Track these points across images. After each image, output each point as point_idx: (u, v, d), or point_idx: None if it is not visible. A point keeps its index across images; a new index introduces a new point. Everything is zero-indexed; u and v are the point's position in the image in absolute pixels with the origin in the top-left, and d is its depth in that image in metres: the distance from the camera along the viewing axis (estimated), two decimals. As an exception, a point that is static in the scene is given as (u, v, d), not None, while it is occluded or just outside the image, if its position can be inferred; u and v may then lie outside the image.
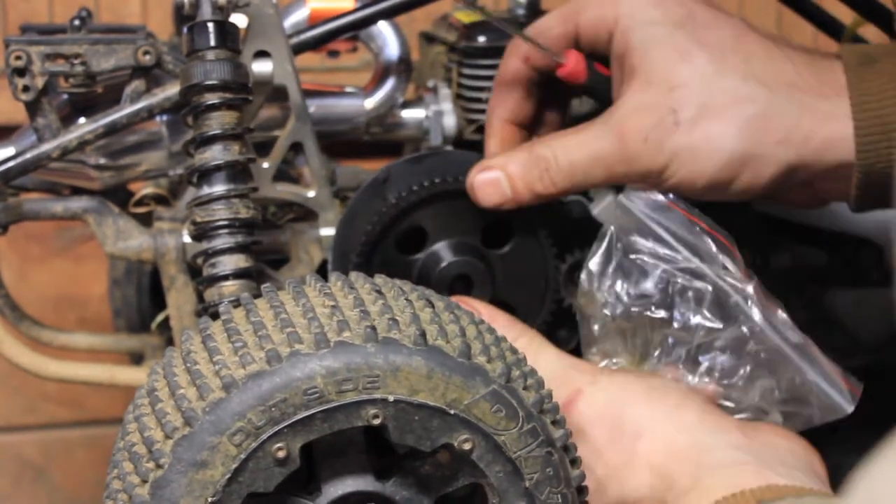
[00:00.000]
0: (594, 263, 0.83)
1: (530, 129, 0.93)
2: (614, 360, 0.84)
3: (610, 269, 0.82)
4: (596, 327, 0.84)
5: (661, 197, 0.83)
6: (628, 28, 0.82)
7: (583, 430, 0.78)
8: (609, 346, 0.84)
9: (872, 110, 0.77)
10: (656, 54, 0.81)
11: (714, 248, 0.81)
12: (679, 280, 0.80)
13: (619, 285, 0.82)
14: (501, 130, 0.91)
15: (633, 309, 0.82)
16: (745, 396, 0.81)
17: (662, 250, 0.82)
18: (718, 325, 0.80)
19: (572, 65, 0.86)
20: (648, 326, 0.82)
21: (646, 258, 0.82)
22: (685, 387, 0.81)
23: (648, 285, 0.82)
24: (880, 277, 1.05)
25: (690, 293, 0.80)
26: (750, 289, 0.80)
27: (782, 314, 0.81)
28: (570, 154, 0.83)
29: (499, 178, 0.85)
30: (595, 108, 0.93)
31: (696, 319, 0.80)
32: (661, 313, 0.81)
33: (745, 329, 0.80)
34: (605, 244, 0.83)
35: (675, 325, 0.80)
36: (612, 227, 0.83)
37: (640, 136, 0.80)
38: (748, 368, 0.80)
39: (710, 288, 0.80)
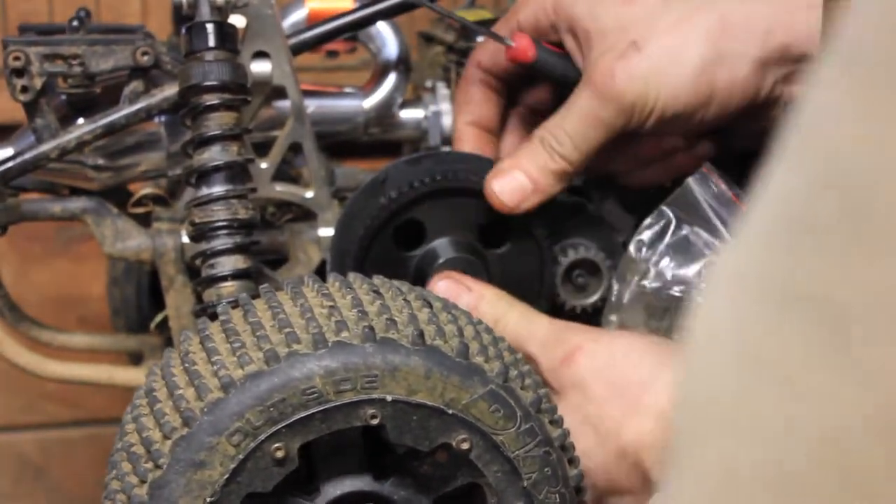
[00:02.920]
0: (646, 235, 0.83)
1: (497, 134, 0.95)
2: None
3: (661, 246, 0.82)
4: (627, 295, 0.83)
5: (728, 191, 0.83)
6: (566, 4, 0.86)
7: (584, 384, 0.77)
8: (631, 317, 0.83)
9: None
10: (601, 10, 0.84)
11: None
12: None
13: (664, 262, 0.82)
14: (467, 134, 0.93)
15: (671, 290, 0.82)
16: None
17: (714, 241, 0.82)
18: None
19: (519, 44, 0.87)
20: (678, 311, 0.81)
21: (698, 245, 0.82)
22: None
23: (691, 271, 0.81)
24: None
25: None
26: None
27: None
28: (564, 124, 0.84)
29: (516, 176, 0.85)
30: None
31: None
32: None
33: None
34: (662, 221, 0.83)
35: None
36: (673, 208, 0.83)
37: (609, 74, 0.82)
38: None
39: None
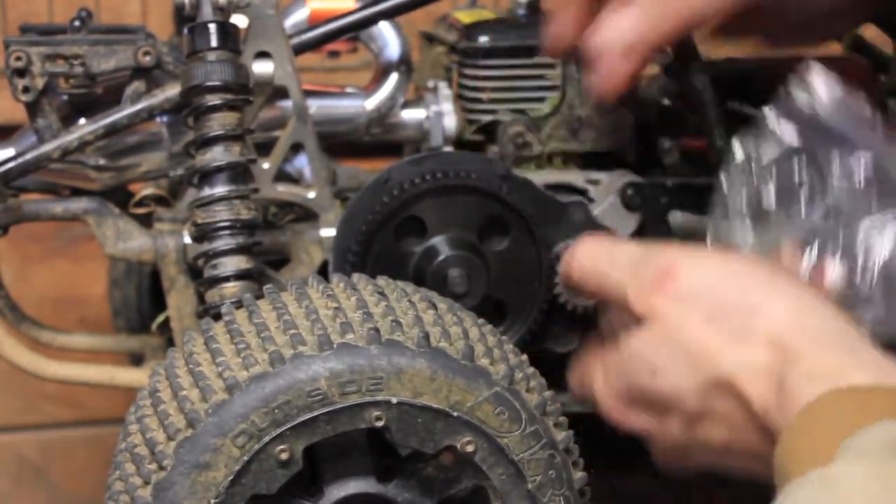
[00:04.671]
0: (771, 151, 0.74)
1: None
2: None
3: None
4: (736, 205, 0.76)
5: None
6: None
7: (679, 307, 0.67)
8: (739, 231, 0.76)
9: None
10: None
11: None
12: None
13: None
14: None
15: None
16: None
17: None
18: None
19: None
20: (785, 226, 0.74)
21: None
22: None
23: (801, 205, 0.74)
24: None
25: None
26: None
27: None
28: None
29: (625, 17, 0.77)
30: None
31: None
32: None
33: None
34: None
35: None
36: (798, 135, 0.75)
37: None
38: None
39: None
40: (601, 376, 0.74)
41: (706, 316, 0.66)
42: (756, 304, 0.65)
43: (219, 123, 0.81)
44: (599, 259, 0.74)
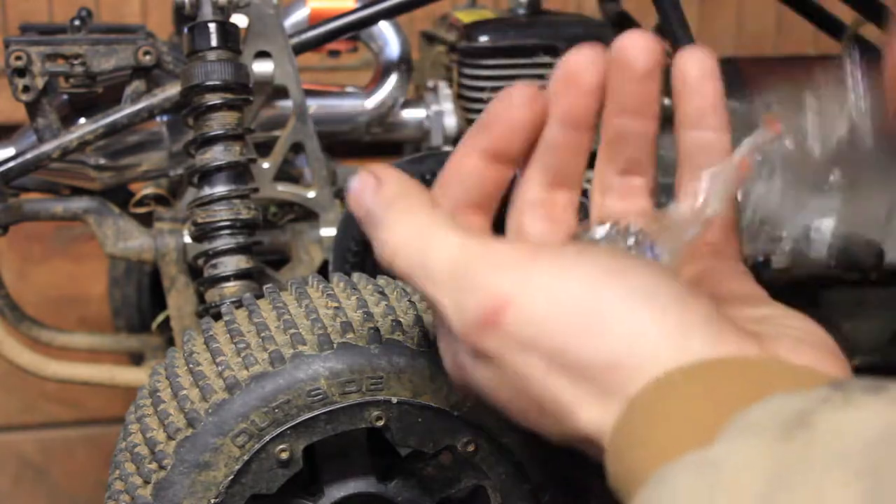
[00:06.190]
0: None
1: None
2: None
3: None
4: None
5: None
6: None
7: (519, 354, 0.51)
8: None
9: None
10: None
11: None
12: None
13: None
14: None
15: None
16: None
17: None
18: None
19: None
20: None
21: None
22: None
23: None
24: (880, 277, 1.05)
25: None
26: None
27: None
28: None
29: None
30: None
31: None
32: None
33: None
34: None
35: None
36: None
37: None
38: None
39: None
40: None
41: (552, 365, 0.51)
42: (609, 352, 0.50)
43: (219, 123, 0.81)
44: (412, 253, 0.54)
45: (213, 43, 0.82)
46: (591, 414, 0.51)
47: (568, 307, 0.51)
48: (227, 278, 0.80)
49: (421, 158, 0.90)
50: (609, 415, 0.50)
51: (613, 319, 0.50)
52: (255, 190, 0.85)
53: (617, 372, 0.50)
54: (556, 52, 0.98)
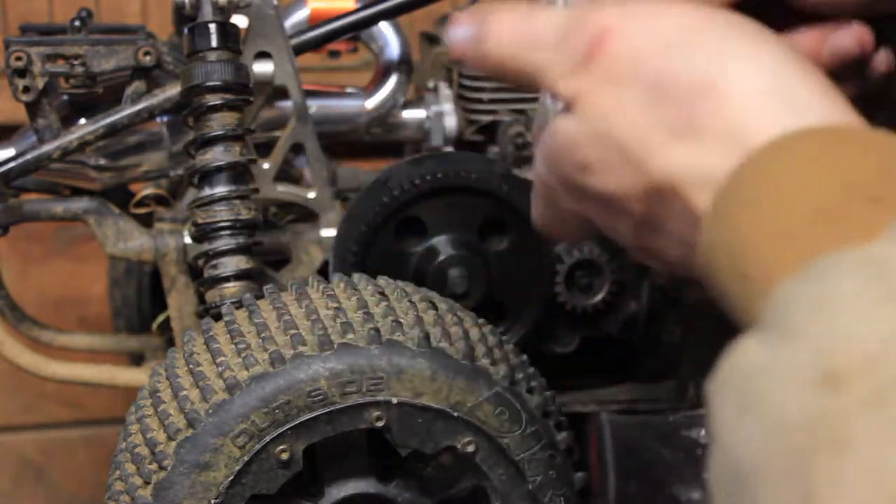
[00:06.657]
0: None
1: None
2: None
3: None
4: None
5: None
6: None
7: (613, 89, 0.50)
8: None
9: None
10: None
11: None
12: None
13: None
14: None
15: None
16: None
17: None
18: None
19: None
20: None
21: None
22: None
23: None
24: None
25: None
26: None
27: None
28: None
29: None
30: None
31: None
32: None
33: None
34: None
35: None
36: None
37: None
38: None
39: None
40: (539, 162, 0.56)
41: (645, 99, 0.49)
42: (709, 81, 0.48)
43: (219, 123, 0.81)
44: (518, 31, 0.54)
45: (214, 43, 0.82)
46: (679, 155, 0.48)
47: (671, 38, 0.49)
48: (227, 279, 0.79)
49: (421, 159, 0.90)
50: (709, 162, 0.47)
51: (723, 56, 0.48)
52: (256, 190, 0.85)
53: (725, 115, 0.47)
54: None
